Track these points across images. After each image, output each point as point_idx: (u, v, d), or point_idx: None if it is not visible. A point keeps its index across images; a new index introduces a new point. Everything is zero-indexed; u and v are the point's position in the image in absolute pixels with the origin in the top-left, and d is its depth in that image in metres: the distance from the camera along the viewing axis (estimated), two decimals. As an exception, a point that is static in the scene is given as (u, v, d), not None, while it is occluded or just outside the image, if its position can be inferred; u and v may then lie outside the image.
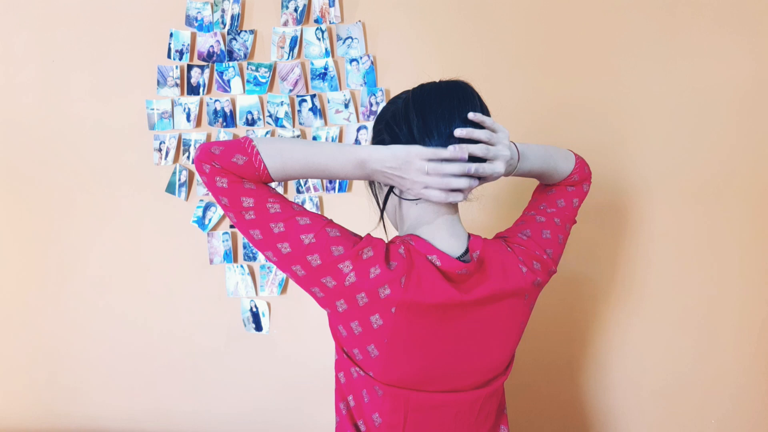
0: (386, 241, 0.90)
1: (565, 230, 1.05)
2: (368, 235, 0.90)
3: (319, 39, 1.65)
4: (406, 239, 0.91)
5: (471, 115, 0.86)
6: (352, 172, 0.86)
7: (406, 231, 0.95)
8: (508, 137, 0.89)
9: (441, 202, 0.90)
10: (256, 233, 0.84)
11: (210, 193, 0.94)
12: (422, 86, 0.93)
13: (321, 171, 0.86)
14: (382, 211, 0.99)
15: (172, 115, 1.71)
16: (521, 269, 0.93)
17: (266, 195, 0.85)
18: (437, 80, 0.94)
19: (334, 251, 0.84)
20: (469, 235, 0.95)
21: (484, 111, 0.91)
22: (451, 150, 0.84)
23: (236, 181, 0.84)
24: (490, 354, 0.93)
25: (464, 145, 0.84)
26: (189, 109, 1.70)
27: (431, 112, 0.88)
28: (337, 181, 1.65)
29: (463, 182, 0.85)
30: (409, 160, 0.84)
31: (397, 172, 0.85)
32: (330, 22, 1.64)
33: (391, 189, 0.96)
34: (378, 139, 0.95)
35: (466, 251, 0.92)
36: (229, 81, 1.69)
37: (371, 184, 1.01)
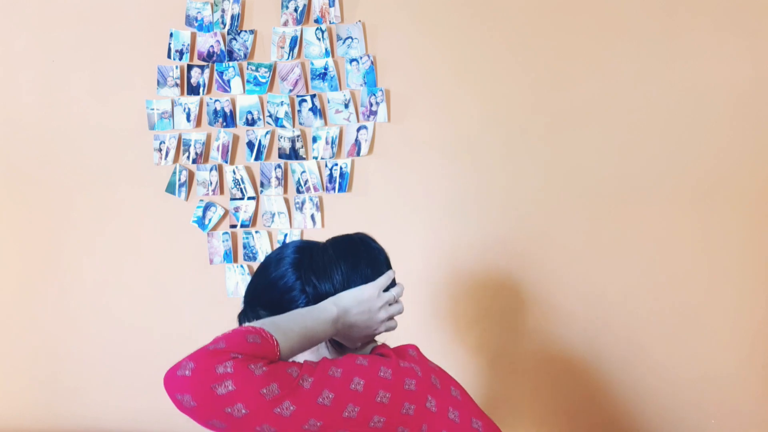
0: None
1: None
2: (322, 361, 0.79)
3: (319, 39, 1.65)
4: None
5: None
6: (332, 332, 0.84)
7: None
8: None
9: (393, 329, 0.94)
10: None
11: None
12: (332, 239, 0.97)
13: (316, 341, 0.83)
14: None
15: (172, 115, 1.71)
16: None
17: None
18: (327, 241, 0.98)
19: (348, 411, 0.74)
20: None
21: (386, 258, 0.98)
22: (391, 273, 0.93)
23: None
24: None
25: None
26: (189, 109, 1.70)
27: (358, 259, 0.92)
28: (337, 181, 1.65)
29: (399, 291, 0.95)
30: (372, 298, 0.87)
31: (365, 315, 0.87)
32: (330, 22, 1.64)
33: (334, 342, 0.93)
34: (256, 312, 0.92)
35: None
36: (229, 81, 1.69)
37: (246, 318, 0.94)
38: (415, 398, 0.78)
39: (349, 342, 0.91)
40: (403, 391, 0.77)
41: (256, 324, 0.76)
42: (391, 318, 0.91)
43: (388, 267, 0.96)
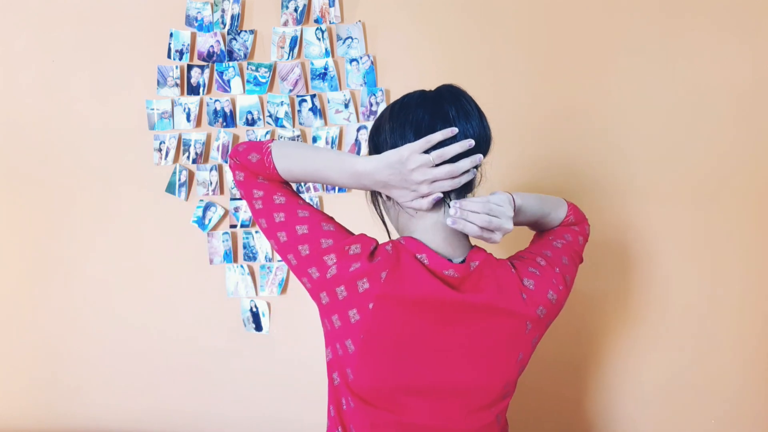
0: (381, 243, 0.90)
1: (574, 269, 0.99)
2: (362, 234, 0.90)
3: (319, 39, 1.65)
4: (398, 239, 0.90)
5: (452, 208, 0.84)
6: (349, 183, 0.87)
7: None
8: (507, 202, 0.90)
9: (453, 190, 0.87)
10: (263, 221, 0.90)
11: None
12: (408, 94, 0.93)
13: (323, 178, 0.88)
14: (384, 223, 0.98)
15: (172, 115, 1.71)
16: (521, 295, 0.87)
17: (276, 189, 0.91)
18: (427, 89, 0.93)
19: (323, 243, 0.86)
20: (474, 247, 0.92)
21: (474, 112, 0.89)
22: (443, 132, 0.84)
23: (251, 176, 0.91)
24: (475, 375, 0.86)
25: (453, 128, 0.85)
26: (189, 109, 1.70)
27: (407, 116, 0.88)
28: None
29: (468, 162, 0.85)
30: (404, 161, 0.82)
31: (396, 178, 0.83)
32: (330, 22, 1.64)
33: (377, 197, 0.96)
34: (369, 149, 0.96)
35: (464, 261, 0.88)
36: (229, 81, 1.69)
37: (372, 194, 0.98)
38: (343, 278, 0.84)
39: (401, 201, 0.88)
40: (346, 257, 0.85)
41: (274, 144, 0.90)
42: (435, 181, 0.83)
43: (447, 126, 0.85)
